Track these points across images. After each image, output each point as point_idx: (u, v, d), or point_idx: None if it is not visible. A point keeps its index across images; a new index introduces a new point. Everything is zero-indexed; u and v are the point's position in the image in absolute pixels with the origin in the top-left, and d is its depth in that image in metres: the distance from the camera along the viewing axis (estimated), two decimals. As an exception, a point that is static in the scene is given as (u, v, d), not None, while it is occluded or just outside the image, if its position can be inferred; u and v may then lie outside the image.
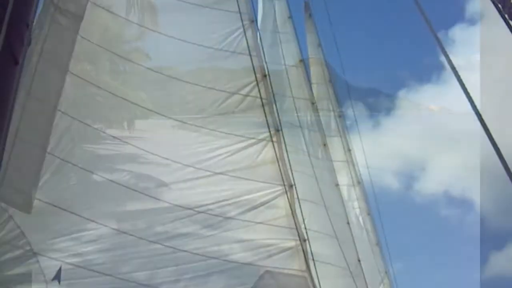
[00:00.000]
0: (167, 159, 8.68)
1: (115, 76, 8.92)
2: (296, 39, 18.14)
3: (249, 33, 9.57)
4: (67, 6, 8.60)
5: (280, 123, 9.48)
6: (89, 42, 8.74)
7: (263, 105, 9.39)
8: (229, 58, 9.54)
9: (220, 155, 9.00)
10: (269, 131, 9.31)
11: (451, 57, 5.40)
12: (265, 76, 9.46)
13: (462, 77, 5.23)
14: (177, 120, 8.98)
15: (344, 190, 19.39)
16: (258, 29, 9.69)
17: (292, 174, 9.19)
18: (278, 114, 9.54)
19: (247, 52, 9.51)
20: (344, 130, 21.24)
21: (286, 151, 9.41)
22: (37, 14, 6.22)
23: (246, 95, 9.38)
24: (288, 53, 17.15)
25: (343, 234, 14.13)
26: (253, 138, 9.25)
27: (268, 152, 9.20)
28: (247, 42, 9.51)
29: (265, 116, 9.29)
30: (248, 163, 9.11)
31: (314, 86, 20.91)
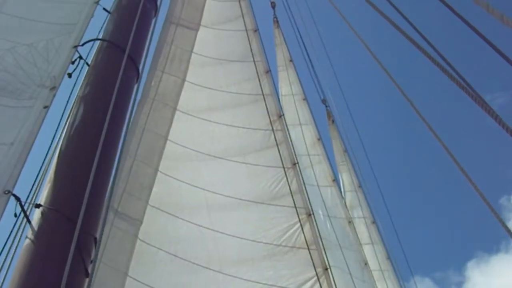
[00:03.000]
0: None
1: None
2: (327, 160, 18.44)
3: (306, 227, 9.53)
4: (126, 210, 8.78)
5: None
6: (149, 245, 8.78)
7: None
8: (289, 253, 9.40)
9: None
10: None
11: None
12: (326, 269, 9.25)
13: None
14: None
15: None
16: (316, 224, 9.64)
17: None
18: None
19: (306, 246, 9.41)
20: (380, 237, 20.87)
21: None
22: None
23: (309, 291, 9.11)
24: (321, 174, 17.24)
25: None
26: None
27: None
28: (305, 237, 9.44)
29: None
30: None
31: (345, 194, 20.77)
